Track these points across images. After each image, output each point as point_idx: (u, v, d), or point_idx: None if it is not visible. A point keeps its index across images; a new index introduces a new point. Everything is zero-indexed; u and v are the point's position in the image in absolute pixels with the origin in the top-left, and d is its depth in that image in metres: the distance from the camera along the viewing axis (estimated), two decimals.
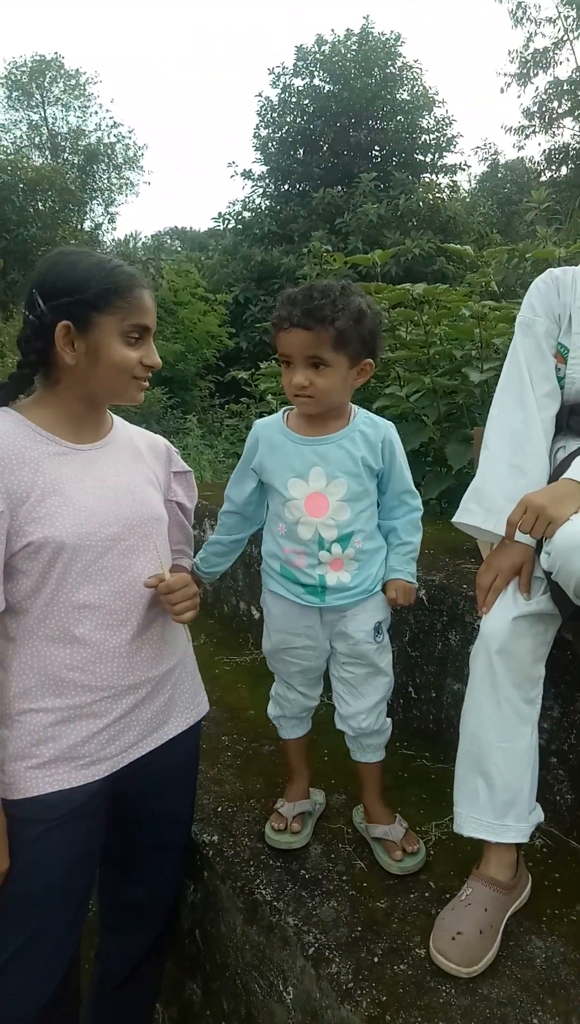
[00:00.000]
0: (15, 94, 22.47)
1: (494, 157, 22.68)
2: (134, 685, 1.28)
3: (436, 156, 17.97)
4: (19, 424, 1.19)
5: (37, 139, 22.73)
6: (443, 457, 2.54)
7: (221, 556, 1.55)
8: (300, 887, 1.40)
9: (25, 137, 22.50)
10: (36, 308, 1.17)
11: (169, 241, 28.38)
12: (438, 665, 1.87)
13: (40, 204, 14.32)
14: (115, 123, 23.45)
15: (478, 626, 1.35)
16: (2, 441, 1.15)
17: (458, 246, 2.85)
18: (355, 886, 1.41)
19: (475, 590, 1.39)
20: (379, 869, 1.45)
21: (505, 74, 21.28)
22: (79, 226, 17.37)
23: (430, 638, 1.88)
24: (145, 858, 1.43)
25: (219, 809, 1.65)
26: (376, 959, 1.24)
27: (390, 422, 1.46)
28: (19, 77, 22.38)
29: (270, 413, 1.50)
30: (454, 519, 1.47)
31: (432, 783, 1.76)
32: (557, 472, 1.36)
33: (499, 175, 21.45)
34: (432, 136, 17.93)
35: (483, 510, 1.41)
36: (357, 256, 2.98)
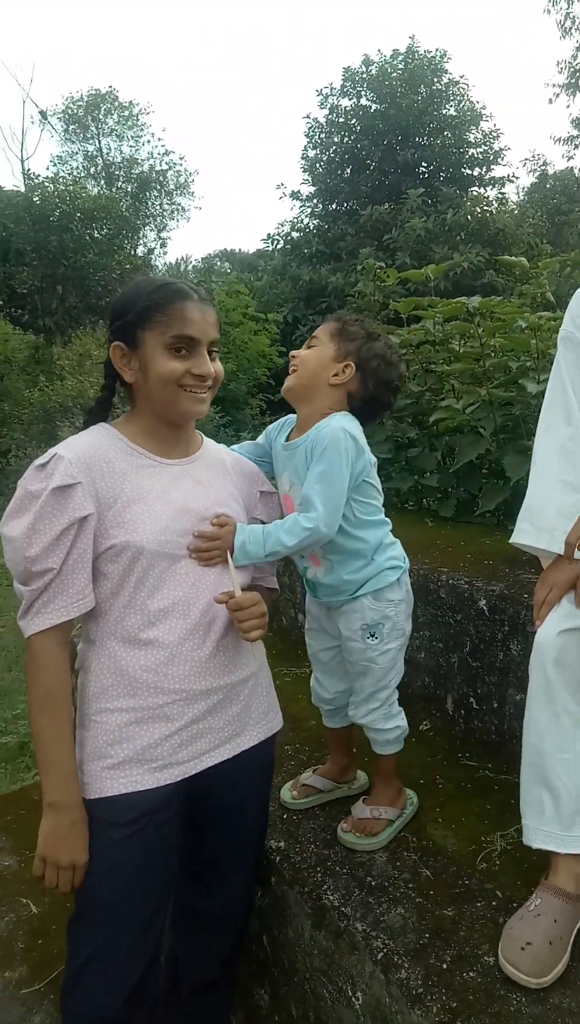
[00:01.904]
0: (72, 127, 23.36)
1: (543, 168, 22.45)
2: (206, 691, 1.31)
3: (484, 169, 17.96)
4: (112, 437, 1.30)
5: (92, 169, 23.55)
6: (500, 469, 2.54)
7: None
8: (366, 893, 1.41)
9: (81, 168, 23.35)
10: (107, 334, 1.29)
11: (219, 263, 28.88)
12: (499, 675, 1.87)
13: (96, 232, 14.78)
14: (167, 151, 24.06)
15: None
16: (94, 450, 1.25)
17: (512, 258, 2.86)
18: (422, 894, 1.41)
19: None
20: (446, 878, 1.46)
21: (554, 85, 21.06)
22: (132, 251, 17.84)
23: (491, 648, 1.88)
24: (218, 869, 1.45)
25: (285, 816, 1.67)
26: (445, 966, 1.24)
27: (340, 424, 1.39)
28: (75, 111, 23.26)
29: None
30: (511, 540, 1.47)
31: (495, 794, 1.75)
32: None
33: (548, 186, 21.19)
34: (479, 150, 17.94)
35: (535, 528, 1.40)
36: (410, 272, 3.01)
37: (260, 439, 1.62)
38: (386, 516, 1.56)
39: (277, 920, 1.55)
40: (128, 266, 15.38)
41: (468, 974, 1.23)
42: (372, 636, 1.50)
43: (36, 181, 15.36)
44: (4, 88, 57.07)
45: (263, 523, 1.46)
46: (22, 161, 18.61)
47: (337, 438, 1.36)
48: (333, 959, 1.38)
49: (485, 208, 14.87)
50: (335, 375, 1.45)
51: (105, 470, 1.24)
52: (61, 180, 16.07)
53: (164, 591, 1.27)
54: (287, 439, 1.53)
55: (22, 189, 15.46)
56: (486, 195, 16.45)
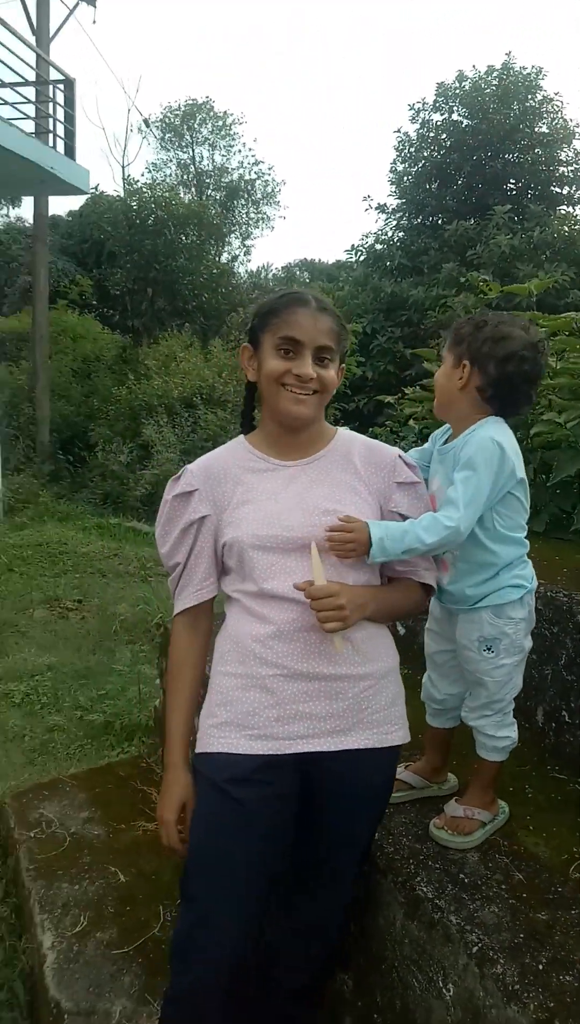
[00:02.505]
0: (168, 135, 23.99)
1: None
2: (307, 674, 1.35)
3: (574, 188, 17.58)
4: (237, 446, 1.48)
5: (185, 177, 24.13)
6: None
7: None
8: (460, 889, 1.44)
9: (174, 175, 23.97)
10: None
11: (298, 273, 29.12)
12: None
13: (185, 238, 15.13)
14: (256, 160, 24.33)
15: None
16: (216, 461, 1.46)
17: None
18: (515, 895, 1.43)
19: None
20: (539, 883, 1.47)
21: None
22: (217, 258, 18.20)
23: None
24: (316, 874, 1.47)
25: None
26: (540, 966, 1.26)
27: (489, 433, 1.43)
28: (172, 120, 23.88)
29: (412, 437, 1.63)
30: None
31: None
32: None
33: None
34: (571, 168, 17.57)
35: None
36: (515, 286, 3.02)
37: (427, 444, 1.66)
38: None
39: (367, 907, 1.58)
40: (215, 271, 15.68)
41: (564, 977, 1.24)
42: (488, 650, 1.51)
43: (134, 187, 15.84)
44: (110, 96, 59.34)
45: (401, 514, 1.44)
46: (123, 167, 19.32)
47: (484, 447, 1.41)
48: (425, 949, 1.40)
49: (573, 227, 14.58)
50: (460, 379, 1.48)
51: (222, 477, 1.43)
52: (158, 186, 16.53)
53: (275, 580, 1.36)
54: (445, 443, 1.57)
55: (121, 194, 15.96)
56: (575, 214, 16.12)
